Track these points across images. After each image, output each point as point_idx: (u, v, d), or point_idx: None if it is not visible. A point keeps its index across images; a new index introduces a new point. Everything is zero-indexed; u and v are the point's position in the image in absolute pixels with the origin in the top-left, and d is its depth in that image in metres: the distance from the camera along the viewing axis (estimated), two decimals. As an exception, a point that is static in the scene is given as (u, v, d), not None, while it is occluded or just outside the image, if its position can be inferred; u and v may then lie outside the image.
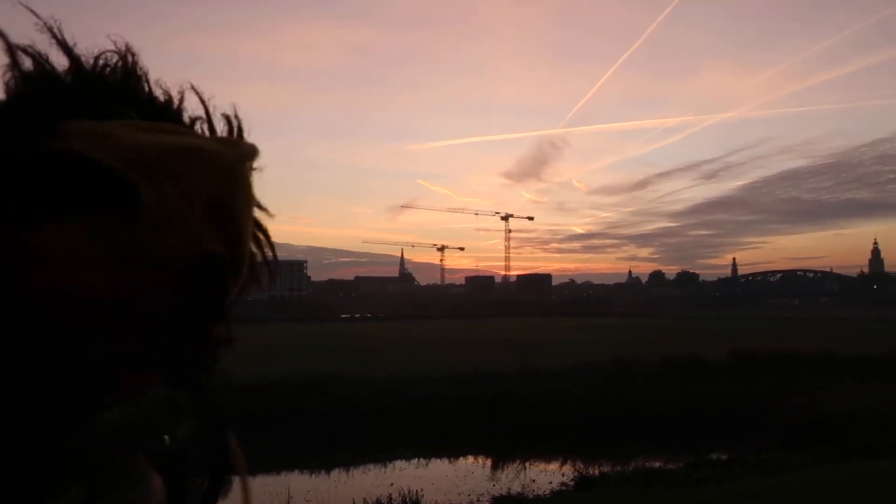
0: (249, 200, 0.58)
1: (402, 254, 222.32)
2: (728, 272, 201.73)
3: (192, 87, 0.60)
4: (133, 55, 0.58)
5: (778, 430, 15.43)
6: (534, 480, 14.00)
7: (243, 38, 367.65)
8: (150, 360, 0.54)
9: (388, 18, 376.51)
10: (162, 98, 0.58)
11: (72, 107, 0.54)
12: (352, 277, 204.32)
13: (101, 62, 0.57)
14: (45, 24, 0.55)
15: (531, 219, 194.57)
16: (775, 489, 9.67)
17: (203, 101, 0.60)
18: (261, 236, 0.61)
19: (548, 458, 16.18)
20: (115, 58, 0.57)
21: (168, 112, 0.58)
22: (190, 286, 0.53)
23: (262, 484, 13.24)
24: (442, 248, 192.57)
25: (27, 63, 0.55)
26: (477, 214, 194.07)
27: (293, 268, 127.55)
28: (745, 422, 16.84)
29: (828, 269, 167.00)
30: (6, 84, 0.55)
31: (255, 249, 0.60)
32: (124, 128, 0.53)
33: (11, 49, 0.55)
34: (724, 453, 15.00)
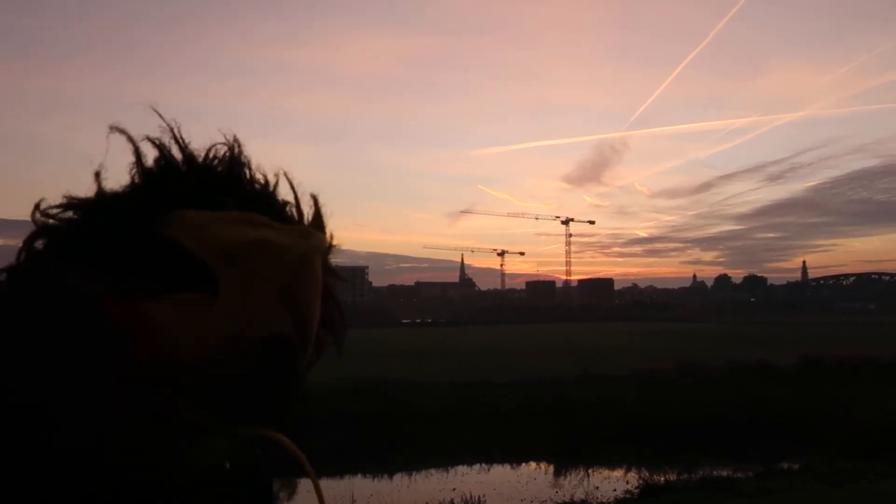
0: (317, 287, 0.66)
1: (463, 259, 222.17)
2: (797, 276, 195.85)
3: (285, 174, 0.70)
4: (239, 145, 0.68)
5: (850, 438, 14.89)
6: (597, 487, 13.85)
7: (298, 45, 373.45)
8: (220, 426, 0.62)
9: (445, 24, 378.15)
10: (259, 185, 0.68)
11: (184, 196, 0.63)
12: (413, 283, 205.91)
13: (211, 154, 0.68)
14: (167, 125, 0.66)
15: (592, 223, 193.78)
16: (848, 500, 9.36)
17: (293, 188, 0.70)
18: (334, 312, 0.71)
19: (611, 464, 15.98)
20: (224, 149, 0.68)
21: (263, 197, 0.68)
22: (260, 362, 0.62)
23: (325, 486, 13.31)
24: (502, 253, 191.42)
25: (149, 159, 0.66)
26: (537, 219, 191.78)
27: (355, 274, 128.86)
28: (816, 430, 16.31)
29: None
30: (130, 176, 0.65)
31: (324, 328, 0.69)
32: (216, 220, 0.62)
33: (136, 146, 0.66)
34: (793, 462, 14.57)
